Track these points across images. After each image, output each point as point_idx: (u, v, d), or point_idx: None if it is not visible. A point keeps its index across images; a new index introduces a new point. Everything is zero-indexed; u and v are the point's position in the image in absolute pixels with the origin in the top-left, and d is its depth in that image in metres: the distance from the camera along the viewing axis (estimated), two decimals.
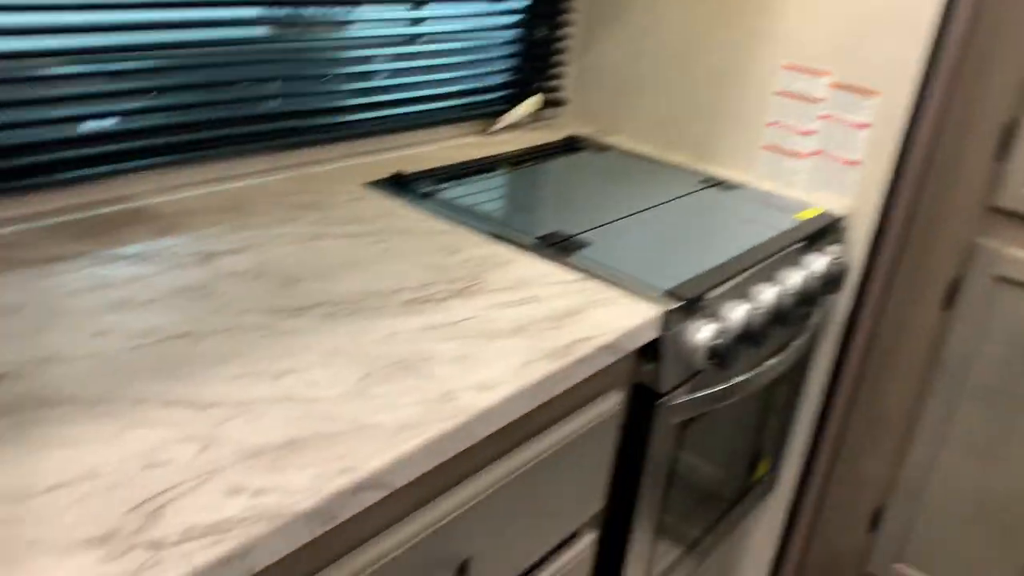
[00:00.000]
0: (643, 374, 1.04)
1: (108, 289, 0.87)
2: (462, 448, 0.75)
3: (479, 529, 0.83)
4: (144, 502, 0.60)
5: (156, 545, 0.56)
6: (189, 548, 0.57)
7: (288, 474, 0.65)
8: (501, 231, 1.14)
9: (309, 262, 0.99)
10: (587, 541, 1.05)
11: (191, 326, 0.83)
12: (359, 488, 0.66)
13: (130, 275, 0.91)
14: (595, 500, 1.03)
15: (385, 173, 1.31)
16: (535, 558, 0.95)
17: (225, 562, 0.57)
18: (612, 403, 0.99)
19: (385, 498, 0.72)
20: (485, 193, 1.29)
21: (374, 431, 0.71)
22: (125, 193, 1.11)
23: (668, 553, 1.25)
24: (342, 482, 0.65)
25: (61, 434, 0.65)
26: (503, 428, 0.84)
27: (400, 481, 0.69)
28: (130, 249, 0.96)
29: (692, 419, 1.15)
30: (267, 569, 0.63)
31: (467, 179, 1.34)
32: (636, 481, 1.09)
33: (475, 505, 0.81)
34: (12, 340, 0.77)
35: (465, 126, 1.57)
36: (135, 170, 1.12)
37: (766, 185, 1.49)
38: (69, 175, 1.05)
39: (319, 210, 1.14)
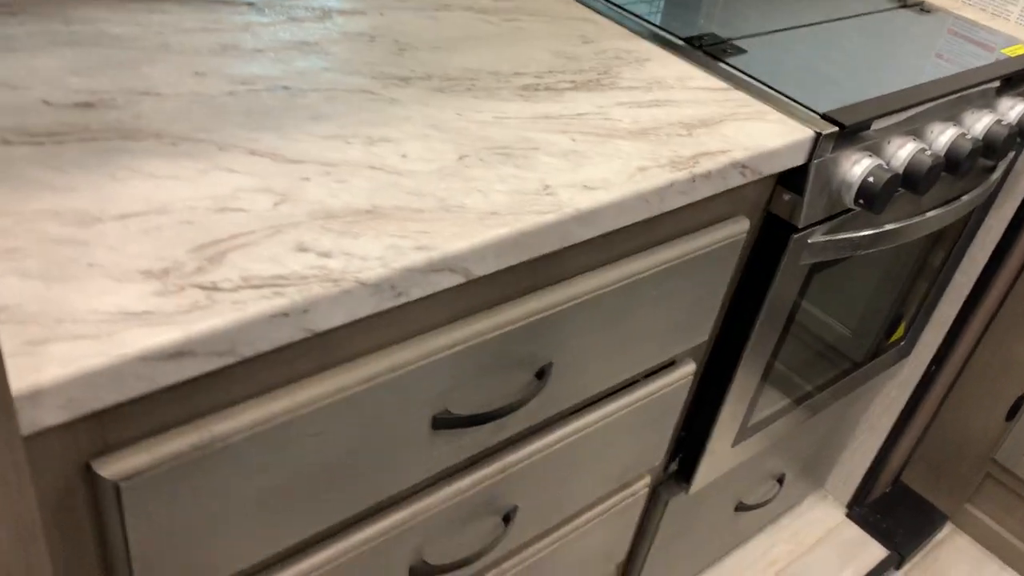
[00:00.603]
0: (780, 204, 0.93)
1: (219, 33, 0.83)
2: (554, 248, 0.69)
3: (564, 336, 0.78)
4: (209, 244, 0.57)
5: (211, 287, 0.54)
6: (244, 296, 0.54)
7: (361, 241, 0.61)
8: (646, 25, 1.02)
9: (429, 32, 0.91)
10: (686, 371, 0.99)
11: (293, 81, 0.78)
12: (433, 268, 0.61)
13: (244, 22, 0.86)
14: (700, 331, 0.96)
15: None
16: (624, 377, 0.90)
17: (279, 316, 0.54)
18: (738, 229, 0.90)
19: (462, 288, 0.68)
20: None
21: (460, 213, 0.65)
22: None
23: (773, 401, 1.18)
24: (416, 258, 0.60)
25: (141, 167, 0.63)
26: (605, 236, 0.77)
27: (479, 269, 0.64)
28: None
29: (827, 264, 1.04)
30: (327, 334, 0.61)
31: None
32: (751, 319, 1.00)
33: (563, 311, 0.76)
34: (112, 69, 0.74)
35: None
36: None
37: (970, 13, 1.27)
38: None
39: None
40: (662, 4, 1.10)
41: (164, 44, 0.80)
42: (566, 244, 0.70)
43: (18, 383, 0.46)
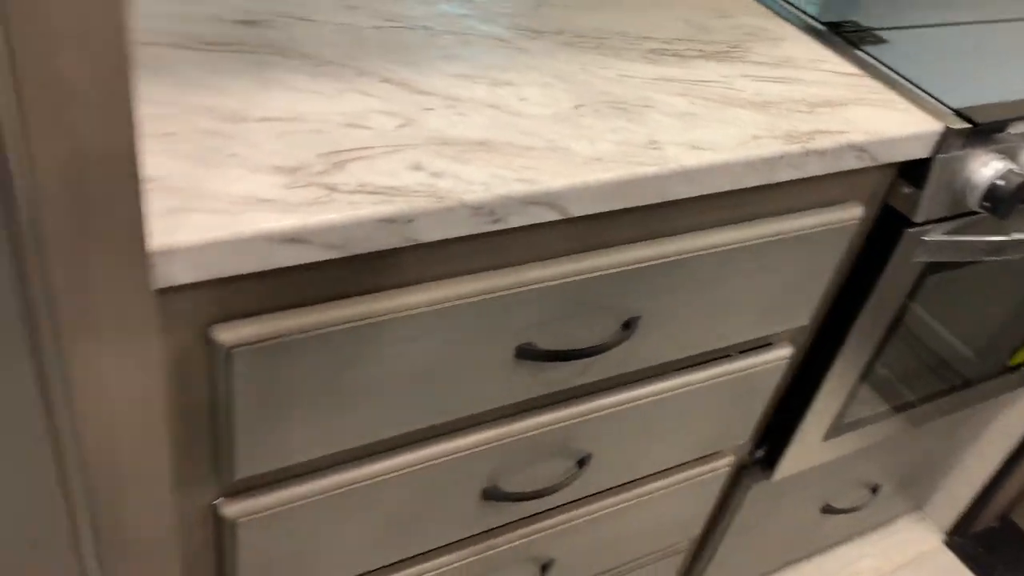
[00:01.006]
0: (898, 196, 0.92)
1: None
2: (653, 200, 0.72)
3: (657, 292, 0.81)
4: (334, 152, 0.64)
5: (332, 188, 0.60)
6: (358, 199, 0.60)
7: (470, 167, 0.65)
8: (786, 6, 1.02)
9: None
10: (781, 353, 1.00)
11: (433, 22, 0.84)
12: (531, 200, 0.65)
13: None
14: (800, 314, 0.96)
15: None
16: (716, 346, 0.92)
17: (386, 221, 0.60)
18: (849, 215, 0.89)
19: (561, 227, 0.72)
20: None
21: (565, 155, 0.69)
22: None
23: (872, 403, 1.16)
24: (517, 188, 0.65)
25: (287, 80, 0.70)
26: (711, 200, 0.79)
27: (575, 209, 0.68)
28: None
29: (944, 267, 1.02)
30: (428, 247, 0.66)
31: None
32: (855, 310, 0.99)
33: (658, 266, 0.79)
34: None
35: None
36: None
37: None
38: None
39: None
40: None
41: None
42: (666, 199, 0.73)
43: (157, 241, 0.53)
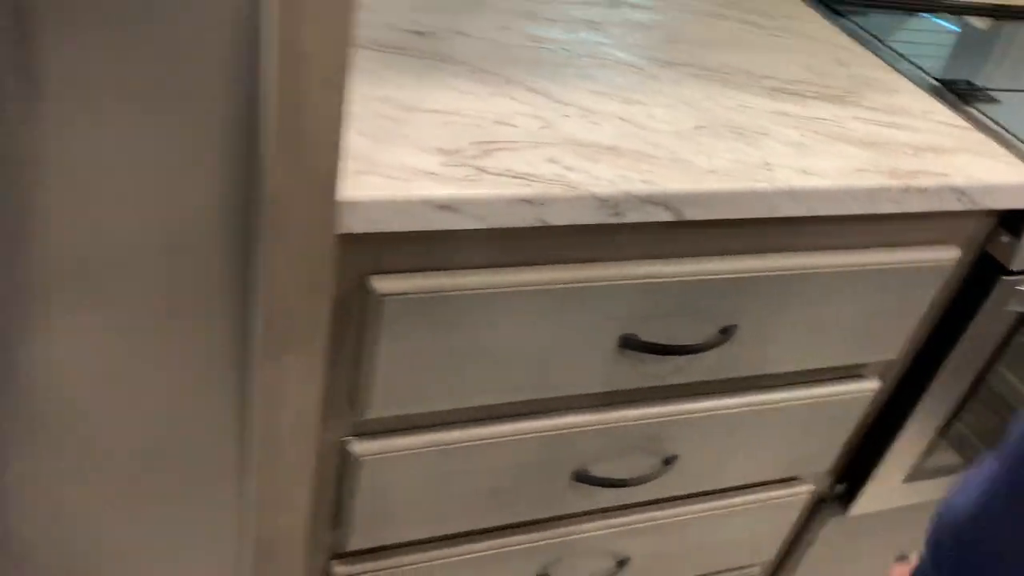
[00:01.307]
0: (997, 245, 0.97)
1: (525, 1, 1.02)
2: (761, 214, 0.80)
3: (756, 304, 0.88)
4: (485, 142, 0.74)
5: (481, 169, 0.71)
6: (503, 181, 0.70)
7: (599, 166, 0.75)
8: (904, 61, 1.09)
9: (699, 31, 1.04)
10: (868, 385, 1.04)
11: (574, 47, 0.94)
12: (650, 200, 0.74)
13: None
14: (890, 347, 1.01)
15: None
16: (807, 366, 0.98)
17: (523, 201, 0.70)
18: (946, 256, 0.95)
19: (673, 229, 0.80)
20: (913, 32, 1.21)
21: (685, 166, 0.78)
22: None
23: (953, 452, 1.18)
24: (639, 187, 0.74)
25: (448, 82, 0.82)
26: (814, 225, 0.86)
27: (689, 212, 0.76)
28: None
29: None
30: (557, 229, 0.76)
31: (900, 12, 1.27)
32: (943, 354, 1.04)
33: (758, 279, 0.86)
34: (442, 12, 0.94)
35: None
36: None
37: None
38: None
39: None
40: (925, 47, 1.16)
41: (482, 2, 0.99)
42: (773, 215, 0.80)
43: (342, 195, 0.64)
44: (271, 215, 0.59)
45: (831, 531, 1.26)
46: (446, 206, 0.68)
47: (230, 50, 0.50)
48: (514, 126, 0.78)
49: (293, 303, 0.65)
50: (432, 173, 0.69)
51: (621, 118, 0.83)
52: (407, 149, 0.71)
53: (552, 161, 0.74)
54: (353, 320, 0.74)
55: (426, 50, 0.86)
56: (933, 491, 1.24)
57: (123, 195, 0.54)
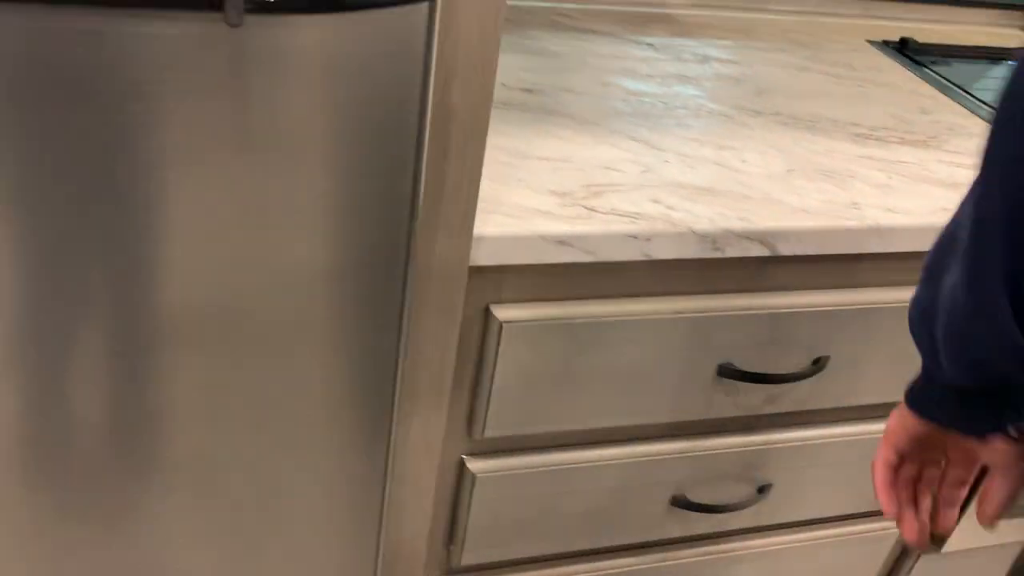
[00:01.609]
0: None
1: (623, 60, 1.11)
2: (850, 250, 0.85)
3: (842, 335, 0.93)
4: (593, 185, 0.82)
5: (591, 209, 0.79)
6: (611, 219, 0.78)
7: (698, 205, 0.82)
8: (983, 107, 1.13)
9: (785, 84, 1.11)
10: None
11: (670, 100, 1.02)
12: (747, 236, 0.81)
13: (642, 56, 1.13)
14: None
15: (893, 37, 1.34)
16: (892, 398, 1.01)
17: (630, 237, 0.77)
18: None
19: (765, 265, 0.86)
20: (995, 81, 1.26)
21: (778, 205, 0.84)
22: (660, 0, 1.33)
23: None
24: (736, 224, 0.80)
25: (557, 132, 0.91)
26: (897, 259, 0.91)
27: (783, 248, 0.83)
28: (649, 39, 1.18)
29: None
30: (660, 263, 0.83)
31: (982, 61, 1.31)
32: None
33: (849, 312, 0.91)
34: (548, 72, 1.04)
35: (1002, 14, 1.50)
36: None
37: None
38: None
39: (815, 50, 1.24)
40: None
41: (584, 61, 1.08)
42: (861, 251, 0.86)
43: (473, 231, 0.73)
44: (418, 249, 0.67)
45: (924, 569, 1.27)
46: (561, 241, 0.76)
47: (415, 117, 0.59)
48: (619, 171, 0.86)
49: (430, 331, 0.73)
50: (547, 212, 0.77)
51: (716, 162, 0.90)
52: (524, 191, 0.80)
53: (655, 201, 0.82)
54: (474, 345, 0.82)
55: (535, 105, 0.95)
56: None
57: (301, 236, 0.64)
